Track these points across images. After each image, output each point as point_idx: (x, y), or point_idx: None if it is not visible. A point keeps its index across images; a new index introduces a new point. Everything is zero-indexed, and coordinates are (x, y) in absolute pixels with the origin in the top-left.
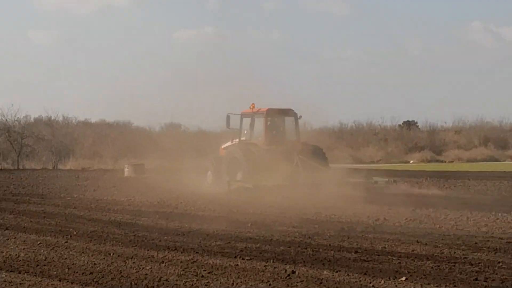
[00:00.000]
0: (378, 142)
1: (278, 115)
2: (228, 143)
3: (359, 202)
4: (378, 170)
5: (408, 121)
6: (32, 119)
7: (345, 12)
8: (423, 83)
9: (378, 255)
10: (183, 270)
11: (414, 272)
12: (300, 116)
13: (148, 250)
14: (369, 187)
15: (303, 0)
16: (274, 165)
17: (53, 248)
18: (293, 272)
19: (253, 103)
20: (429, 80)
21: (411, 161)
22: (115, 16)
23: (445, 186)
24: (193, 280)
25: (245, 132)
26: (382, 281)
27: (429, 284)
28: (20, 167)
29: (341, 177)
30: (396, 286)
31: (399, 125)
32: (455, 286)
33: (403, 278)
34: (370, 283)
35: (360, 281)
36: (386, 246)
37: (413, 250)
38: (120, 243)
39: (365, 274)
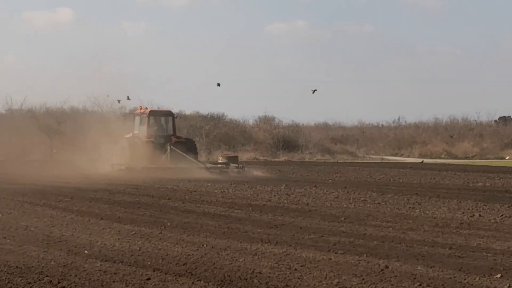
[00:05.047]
0: (474, 138)
1: (158, 115)
2: (128, 135)
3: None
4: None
5: (504, 116)
6: (127, 110)
7: (439, 5)
8: None
9: (473, 252)
10: (276, 262)
11: (510, 269)
12: (177, 116)
13: (241, 242)
14: (222, 171)
15: None
16: (150, 153)
17: (147, 238)
18: (387, 267)
19: (140, 106)
20: None
21: (507, 157)
22: (208, 9)
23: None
24: (286, 273)
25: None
26: (477, 278)
27: None
28: None
29: (203, 164)
30: (491, 283)
31: (495, 121)
32: None
33: (499, 275)
34: (464, 279)
35: (455, 277)
36: (481, 242)
37: (508, 247)
38: (213, 235)
39: (460, 270)
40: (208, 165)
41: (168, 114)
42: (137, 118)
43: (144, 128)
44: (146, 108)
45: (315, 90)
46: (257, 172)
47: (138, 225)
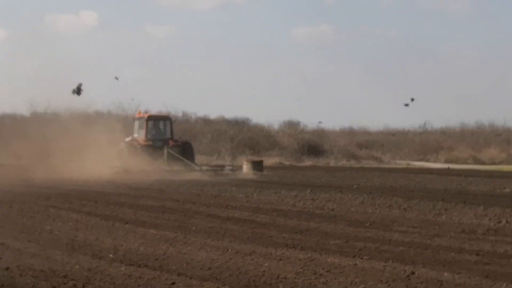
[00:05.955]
0: (501, 143)
1: (157, 120)
2: (128, 138)
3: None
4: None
5: None
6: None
7: (464, 9)
8: None
9: (500, 258)
10: (301, 268)
11: None
12: (174, 120)
13: (266, 247)
14: (217, 174)
15: None
16: (147, 156)
17: (172, 243)
18: (413, 273)
19: (139, 110)
20: None
21: None
22: (233, 12)
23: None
24: (311, 279)
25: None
26: (504, 285)
27: None
28: None
29: (199, 167)
30: None
31: None
32: None
33: None
34: (491, 286)
35: (482, 284)
36: (508, 249)
37: None
38: (238, 240)
39: (487, 277)
40: (204, 167)
41: (166, 118)
42: (137, 122)
43: (143, 132)
44: (146, 112)
45: (412, 100)
46: (250, 176)
47: (162, 229)
